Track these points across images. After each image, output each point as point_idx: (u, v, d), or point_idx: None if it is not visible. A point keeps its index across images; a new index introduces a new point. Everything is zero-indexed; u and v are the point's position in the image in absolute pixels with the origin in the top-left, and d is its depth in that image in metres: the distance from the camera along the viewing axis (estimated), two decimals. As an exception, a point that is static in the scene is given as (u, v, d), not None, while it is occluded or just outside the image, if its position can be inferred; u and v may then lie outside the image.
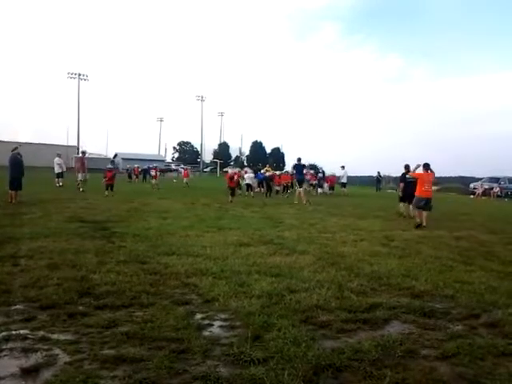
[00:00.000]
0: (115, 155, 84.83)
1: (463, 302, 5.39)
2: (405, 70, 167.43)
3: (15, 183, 15.43)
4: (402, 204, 16.81)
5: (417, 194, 13.76)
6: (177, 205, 16.92)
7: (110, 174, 20.43)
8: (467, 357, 3.82)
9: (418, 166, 14.44)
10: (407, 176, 16.30)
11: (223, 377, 3.34)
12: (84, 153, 27.66)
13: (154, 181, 30.76)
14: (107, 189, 19.95)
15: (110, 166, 21.81)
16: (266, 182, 27.21)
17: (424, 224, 13.05)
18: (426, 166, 14.02)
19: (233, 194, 20.62)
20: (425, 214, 13.30)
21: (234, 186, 21.65)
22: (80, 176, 23.30)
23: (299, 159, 22.36)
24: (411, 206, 14.63)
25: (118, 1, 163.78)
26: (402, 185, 17.02)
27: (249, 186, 25.60)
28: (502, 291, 5.92)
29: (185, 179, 34.54)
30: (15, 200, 15.09)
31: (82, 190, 21.41)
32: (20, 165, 16.07)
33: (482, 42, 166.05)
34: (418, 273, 6.80)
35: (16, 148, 16.73)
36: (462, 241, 10.50)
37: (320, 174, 31.97)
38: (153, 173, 32.48)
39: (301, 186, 21.63)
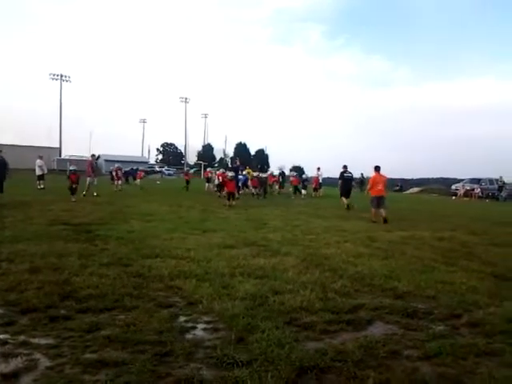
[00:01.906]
0: (98, 157, 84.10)
1: (445, 303, 5.44)
2: (387, 73, 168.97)
3: None
4: (344, 198, 19.59)
5: (372, 194, 15.41)
6: (161, 207, 16.82)
7: (74, 177, 18.56)
8: (449, 356, 3.86)
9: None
10: (344, 174, 19.94)
11: (206, 379, 3.33)
12: (94, 156, 25.70)
13: (116, 182, 27.93)
14: (72, 193, 17.97)
15: (73, 167, 19.56)
16: (262, 184, 27.80)
17: (384, 215, 14.51)
18: (377, 168, 15.67)
19: (231, 198, 19.20)
20: (382, 210, 14.82)
21: (234, 190, 19.98)
22: (89, 180, 21.45)
23: (236, 162, 26.11)
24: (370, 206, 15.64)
25: (101, 2, 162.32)
26: (340, 182, 20.19)
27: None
28: (483, 291, 6.00)
29: (137, 181, 32.00)
30: None
31: (97, 195, 20.48)
32: (2, 167, 15.96)
33: (464, 46, 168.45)
34: (400, 273, 6.85)
35: (0, 151, 16.64)
36: (444, 242, 10.62)
37: (277, 171, 32.93)
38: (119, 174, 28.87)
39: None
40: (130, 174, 38.38)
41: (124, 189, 27.51)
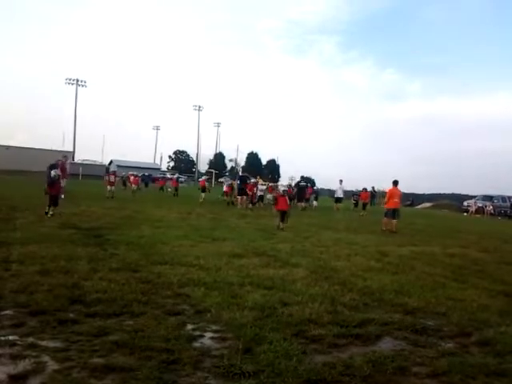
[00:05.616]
0: (110, 162, 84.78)
1: (455, 320, 5.38)
2: (400, 87, 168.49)
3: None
4: (300, 203, 26.34)
5: (387, 206, 16.90)
6: (171, 214, 16.87)
7: (56, 185, 14.02)
8: (458, 375, 3.80)
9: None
10: (300, 184, 28.27)
11: (213, 389, 3.31)
12: (66, 157, 24.78)
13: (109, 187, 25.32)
14: (50, 205, 13.52)
15: (54, 173, 13.86)
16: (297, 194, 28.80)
17: (394, 230, 15.81)
18: (396, 183, 17.10)
19: (283, 219, 14.44)
20: (394, 221, 16.21)
21: (286, 208, 14.82)
22: (62, 182, 20.16)
23: (243, 172, 31.66)
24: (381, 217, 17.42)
25: (117, 8, 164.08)
26: (295, 189, 27.44)
27: (260, 197, 26.36)
28: (494, 309, 5.93)
29: (133, 186, 32.35)
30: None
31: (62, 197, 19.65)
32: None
33: (478, 60, 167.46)
34: (410, 289, 6.78)
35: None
36: (456, 258, 10.51)
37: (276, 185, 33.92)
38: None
39: (241, 194, 24.61)
40: (144, 180, 39.18)
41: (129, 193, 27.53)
